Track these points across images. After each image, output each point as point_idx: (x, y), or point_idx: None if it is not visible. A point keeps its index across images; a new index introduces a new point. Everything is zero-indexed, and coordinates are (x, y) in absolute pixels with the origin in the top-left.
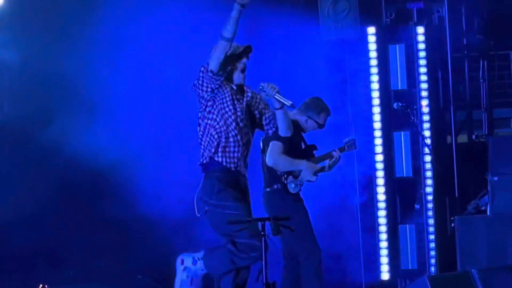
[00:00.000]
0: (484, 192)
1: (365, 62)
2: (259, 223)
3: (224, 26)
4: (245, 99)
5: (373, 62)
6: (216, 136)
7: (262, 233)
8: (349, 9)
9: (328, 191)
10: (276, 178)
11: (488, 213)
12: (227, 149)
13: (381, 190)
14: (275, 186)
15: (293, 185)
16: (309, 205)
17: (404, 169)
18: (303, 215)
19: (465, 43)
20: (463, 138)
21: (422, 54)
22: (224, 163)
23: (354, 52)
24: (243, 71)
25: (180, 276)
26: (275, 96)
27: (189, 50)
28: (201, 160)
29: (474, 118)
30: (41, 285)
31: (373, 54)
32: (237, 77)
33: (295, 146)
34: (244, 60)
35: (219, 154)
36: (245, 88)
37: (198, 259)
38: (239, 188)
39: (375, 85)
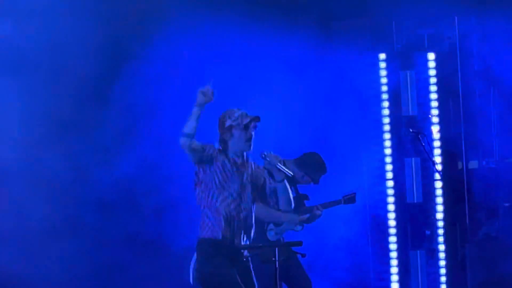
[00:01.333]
0: (495, 218)
1: (376, 88)
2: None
3: (186, 122)
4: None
5: (384, 88)
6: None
7: (274, 259)
8: (360, 35)
9: (340, 216)
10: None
11: (499, 239)
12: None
13: (392, 216)
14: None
15: (273, 233)
16: (323, 234)
17: (415, 195)
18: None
19: (476, 69)
20: (473, 164)
21: (433, 80)
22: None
23: (365, 78)
24: (249, 140)
25: None
26: (277, 166)
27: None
28: None
29: (484, 144)
30: None
31: (384, 80)
32: (243, 145)
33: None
34: (251, 130)
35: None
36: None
37: None
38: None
39: (386, 111)
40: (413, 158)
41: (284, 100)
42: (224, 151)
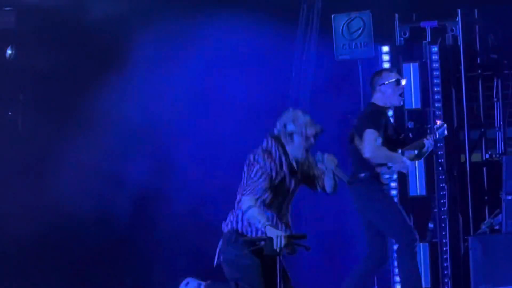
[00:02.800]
0: (498, 211)
1: None
2: (274, 241)
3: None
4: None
5: None
6: None
7: (278, 252)
8: (363, 28)
9: (342, 210)
10: (366, 167)
11: (502, 232)
12: None
13: None
14: (363, 175)
15: (386, 176)
16: (323, 225)
17: (418, 188)
18: (389, 200)
19: (479, 62)
20: (477, 157)
21: (436, 73)
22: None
23: (368, 71)
24: (308, 150)
25: None
26: (334, 171)
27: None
28: None
29: (488, 137)
30: None
31: None
32: (300, 153)
33: (389, 135)
34: (313, 141)
35: None
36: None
37: (202, 286)
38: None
39: None
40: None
41: (286, 94)
42: (278, 150)
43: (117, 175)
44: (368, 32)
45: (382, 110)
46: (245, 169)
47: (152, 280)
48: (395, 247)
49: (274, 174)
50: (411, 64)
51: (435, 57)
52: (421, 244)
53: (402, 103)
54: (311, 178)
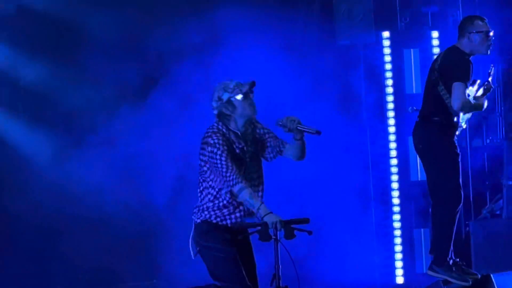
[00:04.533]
0: (499, 196)
1: (379, 66)
2: (270, 230)
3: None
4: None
5: (388, 66)
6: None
7: (274, 237)
8: (364, 13)
9: (344, 194)
10: (442, 113)
11: (502, 217)
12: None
13: (395, 194)
14: (436, 119)
15: (462, 127)
16: (326, 208)
17: (419, 173)
18: (453, 155)
19: None
20: (478, 143)
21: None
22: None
23: (369, 56)
24: (252, 104)
25: None
26: (298, 128)
27: None
28: None
29: (488, 123)
30: None
31: (387, 58)
32: (248, 111)
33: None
34: (251, 96)
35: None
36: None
37: None
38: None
39: (389, 89)
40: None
41: (285, 79)
42: (227, 127)
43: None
44: (368, 18)
45: (468, 58)
46: (205, 159)
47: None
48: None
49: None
50: (411, 50)
51: (435, 42)
52: (422, 229)
53: (489, 53)
54: (267, 146)
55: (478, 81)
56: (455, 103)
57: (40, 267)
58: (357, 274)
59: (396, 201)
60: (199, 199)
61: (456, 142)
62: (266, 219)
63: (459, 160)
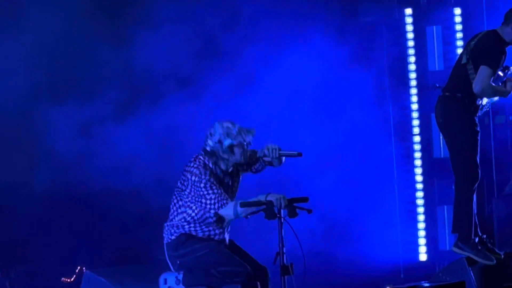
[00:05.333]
0: None
1: (402, 43)
2: (275, 203)
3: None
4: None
5: (411, 43)
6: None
7: (278, 215)
8: None
9: (366, 173)
10: (464, 89)
11: None
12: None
13: (419, 171)
14: (459, 95)
15: (485, 109)
16: (349, 185)
17: (442, 150)
18: (473, 132)
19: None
20: (500, 119)
21: (459, 35)
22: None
23: (392, 33)
24: (245, 153)
25: None
26: (280, 154)
27: None
28: None
29: None
30: (79, 267)
31: (410, 35)
32: (239, 159)
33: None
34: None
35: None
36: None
37: (179, 275)
38: None
39: (412, 66)
40: None
41: (309, 57)
42: (215, 164)
43: None
44: None
45: (505, 47)
46: (186, 184)
47: None
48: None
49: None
50: (434, 27)
51: (458, 19)
52: (445, 206)
53: None
54: (250, 165)
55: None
56: (476, 86)
57: (68, 244)
58: (380, 251)
59: (419, 178)
60: (171, 216)
61: (476, 120)
62: (270, 197)
63: (478, 138)
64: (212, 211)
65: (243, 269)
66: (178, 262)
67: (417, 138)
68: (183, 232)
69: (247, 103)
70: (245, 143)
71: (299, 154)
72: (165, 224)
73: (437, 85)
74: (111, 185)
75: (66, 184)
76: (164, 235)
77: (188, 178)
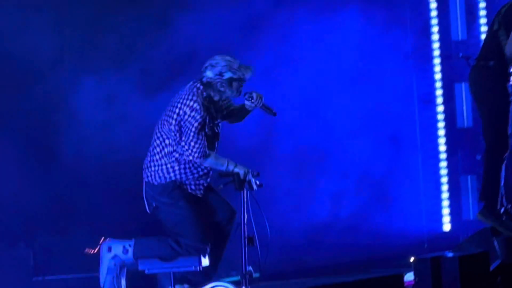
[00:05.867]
0: None
1: (425, 13)
2: (242, 175)
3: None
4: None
5: (434, 13)
6: None
7: (245, 188)
8: None
9: (389, 143)
10: (496, 57)
11: None
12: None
13: (442, 141)
14: (491, 63)
15: None
16: (372, 155)
17: (465, 120)
18: (504, 102)
19: None
20: None
21: (482, 4)
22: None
23: (414, 2)
24: (239, 88)
25: (107, 264)
26: (264, 104)
27: None
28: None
29: None
30: (103, 238)
31: (433, 5)
32: (235, 94)
33: None
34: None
35: None
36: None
37: (130, 246)
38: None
39: (435, 36)
40: (463, 83)
41: (329, 30)
42: (210, 97)
43: None
44: None
45: None
46: (178, 119)
47: None
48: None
49: (207, 121)
50: None
51: None
52: (468, 175)
53: None
54: (229, 114)
55: None
56: (508, 49)
57: (93, 214)
58: (404, 221)
59: (442, 148)
60: (158, 155)
61: (509, 89)
62: (237, 169)
63: (510, 109)
64: (191, 158)
65: (203, 247)
66: (154, 204)
67: (440, 108)
68: (174, 179)
69: (285, 76)
70: (243, 78)
71: (274, 114)
72: (150, 163)
73: (461, 55)
74: (136, 155)
75: (91, 153)
76: (148, 173)
77: (182, 112)
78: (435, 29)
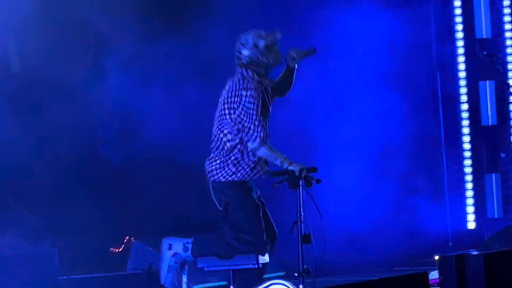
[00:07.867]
0: None
1: (449, 11)
2: (297, 174)
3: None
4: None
5: (458, 11)
6: None
7: (302, 185)
8: None
9: (413, 140)
10: None
11: None
12: None
13: (466, 139)
14: None
15: None
16: (397, 153)
17: (490, 118)
18: None
19: None
20: None
21: (506, 2)
22: None
23: (438, 1)
24: (279, 51)
25: (168, 262)
26: (304, 56)
27: None
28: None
29: None
30: (127, 237)
31: (457, 3)
32: (278, 59)
33: None
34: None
35: None
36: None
37: (188, 244)
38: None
39: (460, 34)
40: (487, 81)
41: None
42: (259, 76)
43: None
44: None
45: None
46: (242, 102)
47: None
48: None
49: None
50: None
51: None
52: (493, 174)
53: None
54: (279, 86)
55: None
56: None
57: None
58: (428, 219)
59: (467, 146)
60: (223, 152)
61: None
62: (292, 167)
63: None
64: (254, 140)
65: (263, 245)
66: (224, 200)
67: (465, 106)
68: (241, 178)
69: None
70: (275, 40)
71: (315, 50)
72: (216, 160)
73: (485, 53)
74: (159, 156)
75: (114, 154)
76: (215, 171)
77: (243, 95)
78: (459, 27)
